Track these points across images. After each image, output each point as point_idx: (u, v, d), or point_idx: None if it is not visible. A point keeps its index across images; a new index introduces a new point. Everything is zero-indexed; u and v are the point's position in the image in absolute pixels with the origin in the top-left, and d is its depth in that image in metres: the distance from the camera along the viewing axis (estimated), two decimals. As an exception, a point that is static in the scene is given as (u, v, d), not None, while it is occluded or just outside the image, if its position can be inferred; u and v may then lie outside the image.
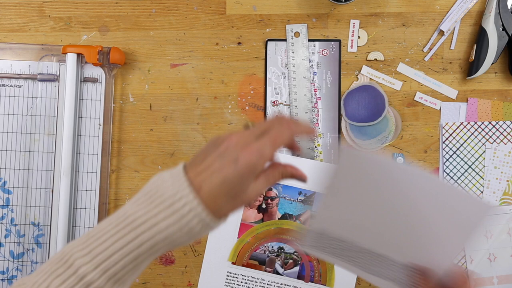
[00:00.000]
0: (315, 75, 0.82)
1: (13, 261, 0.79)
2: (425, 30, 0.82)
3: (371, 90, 0.81)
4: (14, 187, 0.80)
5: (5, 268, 0.79)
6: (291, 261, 0.78)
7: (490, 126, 0.81)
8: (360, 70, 0.82)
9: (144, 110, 0.82)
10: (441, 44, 0.82)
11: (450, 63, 0.82)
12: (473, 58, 0.79)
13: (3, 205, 0.80)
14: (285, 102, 0.82)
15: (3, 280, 0.79)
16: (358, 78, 0.82)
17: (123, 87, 0.82)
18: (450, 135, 0.81)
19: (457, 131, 0.81)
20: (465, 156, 0.80)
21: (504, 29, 0.78)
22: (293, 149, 0.54)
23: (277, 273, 0.78)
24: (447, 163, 0.81)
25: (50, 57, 0.80)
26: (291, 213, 0.79)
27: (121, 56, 0.79)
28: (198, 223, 0.47)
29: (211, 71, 0.82)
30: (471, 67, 0.79)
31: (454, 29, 0.81)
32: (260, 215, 0.79)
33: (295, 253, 0.78)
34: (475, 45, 0.79)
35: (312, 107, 0.82)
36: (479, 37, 0.79)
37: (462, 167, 0.80)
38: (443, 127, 0.81)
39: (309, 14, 0.82)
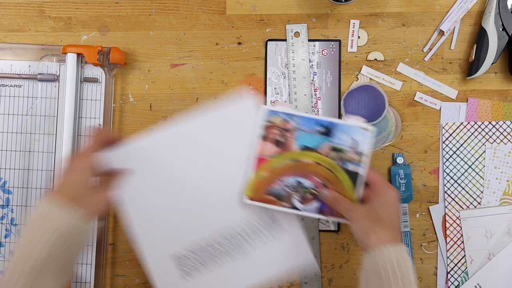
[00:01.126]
0: (315, 75, 0.82)
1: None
2: (425, 30, 0.82)
3: (371, 90, 0.81)
4: (14, 187, 0.80)
5: (5, 268, 0.79)
6: (309, 195, 0.73)
7: (490, 126, 0.81)
8: (360, 70, 0.82)
9: (144, 110, 0.82)
10: (441, 44, 0.82)
11: (450, 63, 0.82)
12: (473, 58, 0.79)
13: (3, 205, 0.80)
14: (285, 102, 0.82)
15: None
16: (358, 78, 0.82)
17: (123, 87, 0.82)
18: (450, 135, 0.81)
19: (457, 131, 0.81)
20: (465, 156, 0.80)
21: (504, 29, 0.78)
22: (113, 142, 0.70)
23: (296, 208, 0.73)
24: (447, 163, 0.81)
25: (50, 57, 0.80)
26: (309, 145, 0.74)
27: (121, 56, 0.79)
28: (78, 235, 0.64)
29: (211, 71, 0.82)
30: (471, 67, 0.79)
31: (454, 29, 0.81)
32: (278, 149, 0.74)
33: (314, 187, 0.74)
34: (475, 45, 0.79)
35: (312, 107, 0.82)
36: (479, 37, 0.79)
37: (462, 167, 0.80)
38: (443, 127, 0.81)
39: (309, 14, 0.82)
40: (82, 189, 0.66)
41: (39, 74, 0.80)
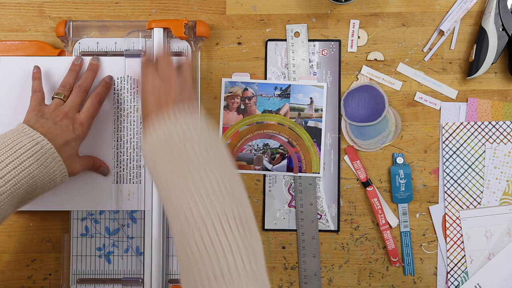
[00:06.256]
0: (315, 75, 0.82)
1: (109, 237, 0.80)
2: (425, 30, 0.82)
3: (371, 90, 0.81)
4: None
5: (101, 244, 0.80)
6: (278, 155, 0.80)
7: (490, 126, 0.81)
8: (360, 70, 0.82)
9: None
10: (441, 44, 0.82)
11: (450, 63, 0.82)
12: (473, 58, 0.79)
13: None
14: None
15: (100, 256, 0.79)
16: (358, 78, 0.82)
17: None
18: (450, 135, 0.81)
19: (457, 131, 0.81)
20: (465, 156, 0.80)
21: (504, 29, 0.78)
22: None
23: (266, 169, 0.80)
24: (447, 163, 0.81)
25: (136, 33, 0.80)
26: (270, 109, 0.81)
27: (206, 29, 0.79)
28: (53, 163, 0.66)
29: (211, 71, 0.82)
30: (471, 67, 0.79)
31: (454, 29, 0.81)
32: (241, 116, 0.81)
33: (281, 147, 0.80)
34: (475, 45, 0.79)
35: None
36: (479, 37, 0.79)
37: (462, 167, 0.80)
38: (443, 127, 0.81)
39: (309, 14, 0.82)
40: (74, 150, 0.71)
41: (125, 50, 0.79)
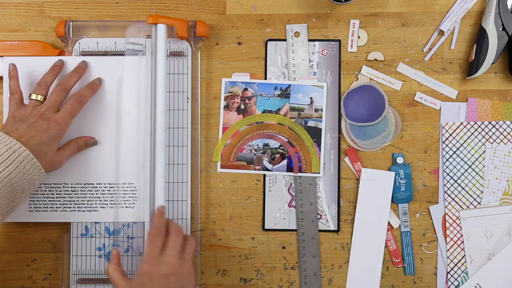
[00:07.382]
0: (315, 75, 0.82)
1: (109, 237, 0.80)
2: (425, 30, 0.82)
3: (371, 90, 0.81)
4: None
5: (101, 244, 0.80)
6: (278, 155, 0.80)
7: (490, 126, 0.81)
8: (360, 70, 0.82)
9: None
10: (441, 44, 0.82)
11: (450, 63, 0.82)
12: (473, 58, 0.79)
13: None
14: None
15: (100, 256, 0.79)
16: (358, 78, 0.82)
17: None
18: (450, 135, 0.81)
19: (457, 131, 0.81)
20: (465, 156, 0.81)
21: (504, 29, 0.78)
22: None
23: (266, 169, 0.81)
24: (447, 163, 0.81)
25: (137, 32, 0.79)
26: (270, 109, 0.81)
27: (206, 29, 0.79)
28: (31, 168, 0.67)
29: (211, 71, 0.82)
30: (471, 67, 0.79)
31: (454, 29, 0.81)
32: (241, 116, 0.81)
33: (281, 147, 0.80)
34: (475, 45, 0.79)
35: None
36: (479, 37, 0.79)
37: (462, 167, 0.80)
38: (443, 127, 0.81)
39: (309, 14, 0.82)
40: (50, 161, 0.71)
41: (126, 49, 0.79)
